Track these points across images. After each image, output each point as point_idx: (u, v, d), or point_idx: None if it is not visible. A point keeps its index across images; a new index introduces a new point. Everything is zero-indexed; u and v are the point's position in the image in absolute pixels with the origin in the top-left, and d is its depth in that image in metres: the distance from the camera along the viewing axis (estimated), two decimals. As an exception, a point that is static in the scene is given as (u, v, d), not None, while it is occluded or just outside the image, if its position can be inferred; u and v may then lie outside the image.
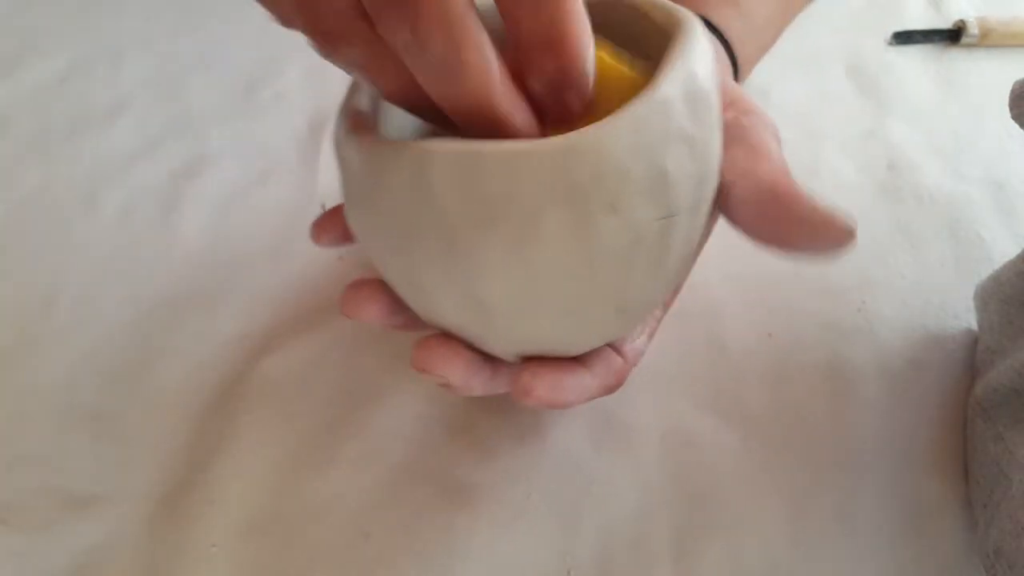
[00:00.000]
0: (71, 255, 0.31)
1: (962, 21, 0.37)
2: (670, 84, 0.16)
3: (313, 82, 0.38)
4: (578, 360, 0.22)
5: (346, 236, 0.23)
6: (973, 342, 0.28)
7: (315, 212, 0.32)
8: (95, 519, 0.25)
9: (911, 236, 0.31)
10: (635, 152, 0.16)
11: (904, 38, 0.37)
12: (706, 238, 0.23)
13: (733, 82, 0.26)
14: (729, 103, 0.22)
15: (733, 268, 0.30)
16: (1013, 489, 0.22)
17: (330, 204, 0.32)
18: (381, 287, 0.21)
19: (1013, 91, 0.24)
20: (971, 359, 0.28)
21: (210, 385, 0.28)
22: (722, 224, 0.31)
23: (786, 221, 0.19)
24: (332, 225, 0.23)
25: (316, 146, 0.34)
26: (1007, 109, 0.24)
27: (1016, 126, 0.24)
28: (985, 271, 0.28)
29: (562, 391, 0.21)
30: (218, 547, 0.25)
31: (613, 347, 0.23)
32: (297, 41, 0.16)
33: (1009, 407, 0.24)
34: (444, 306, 0.19)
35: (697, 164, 0.17)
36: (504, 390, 0.22)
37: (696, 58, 0.17)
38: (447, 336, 0.20)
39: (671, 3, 0.20)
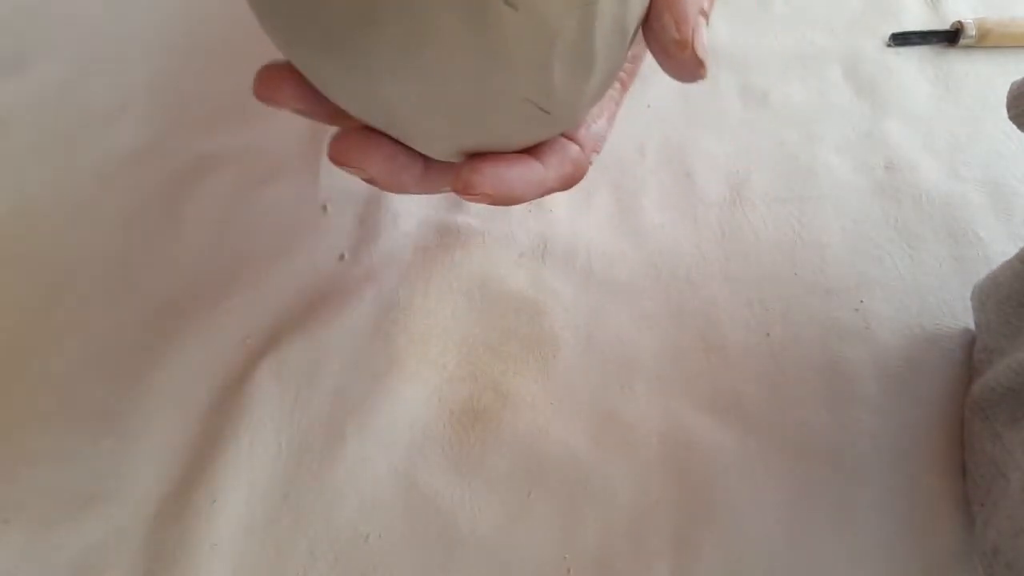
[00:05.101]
0: (74, 256, 0.31)
1: (960, 22, 0.37)
2: None
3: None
4: (528, 151, 0.20)
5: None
6: (971, 342, 0.29)
7: (316, 213, 0.32)
8: (97, 518, 0.25)
9: (909, 236, 0.31)
10: None
11: (902, 39, 0.38)
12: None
13: None
14: None
15: (731, 267, 0.31)
16: (1010, 488, 0.22)
17: (333, 205, 0.32)
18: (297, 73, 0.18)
19: (1011, 92, 0.24)
20: (969, 359, 0.28)
21: (211, 385, 0.28)
22: (720, 224, 0.32)
23: (664, 30, 0.18)
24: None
25: (317, 148, 0.34)
26: (1005, 110, 0.24)
27: (1014, 127, 0.24)
28: (983, 271, 0.28)
29: (508, 184, 0.19)
30: (218, 547, 0.25)
31: (568, 135, 0.21)
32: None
33: (1007, 406, 0.24)
34: (352, 107, 0.17)
35: None
36: (446, 188, 0.20)
37: None
38: (369, 130, 0.19)
39: None
